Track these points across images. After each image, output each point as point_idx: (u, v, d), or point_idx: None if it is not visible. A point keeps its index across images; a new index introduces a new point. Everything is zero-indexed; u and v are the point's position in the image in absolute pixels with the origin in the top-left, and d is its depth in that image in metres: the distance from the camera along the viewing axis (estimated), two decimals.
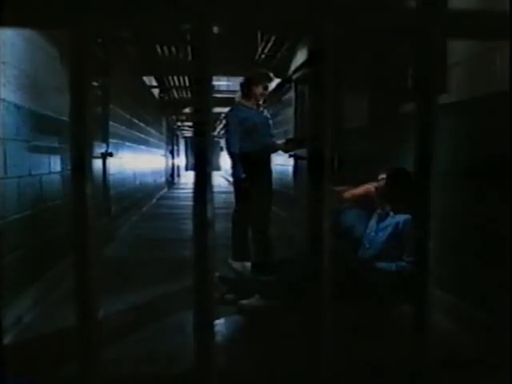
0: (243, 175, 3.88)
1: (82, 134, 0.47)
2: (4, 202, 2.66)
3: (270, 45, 6.78)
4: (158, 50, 7.28)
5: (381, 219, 3.20)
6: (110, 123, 5.69)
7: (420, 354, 0.55)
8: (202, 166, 0.52)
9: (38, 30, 3.06)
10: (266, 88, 4.18)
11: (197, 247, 0.53)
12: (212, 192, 0.53)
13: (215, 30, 0.51)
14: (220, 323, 2.79)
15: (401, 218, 3.04)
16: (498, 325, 2.27)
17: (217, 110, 12.66)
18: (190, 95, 11.96)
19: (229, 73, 8.91)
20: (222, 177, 22.04)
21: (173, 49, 7.23)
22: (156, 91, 11.26)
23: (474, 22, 0.55)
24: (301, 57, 6.76)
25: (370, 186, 3.30)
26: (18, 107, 2.86)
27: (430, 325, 0.55)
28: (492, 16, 0.56)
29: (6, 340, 2.45)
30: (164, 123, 14.25)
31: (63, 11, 0.46)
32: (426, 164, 0.55)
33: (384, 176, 3.20)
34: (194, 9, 0.48)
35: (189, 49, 7.18)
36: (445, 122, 2.80)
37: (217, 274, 3.59)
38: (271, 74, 4.25)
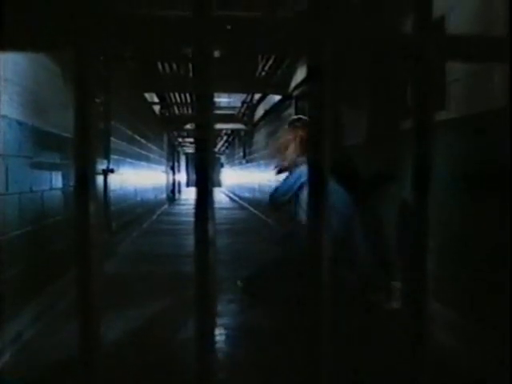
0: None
1: (85, 151, 0.48)
2: (5, 217, 2.66)
3: (270, 62, 6.84)
4: (159, 66, 7.34)
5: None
6: (112, 139, 5.71)
7: (419, 372, 0.55)
8: (204, 182, 0.52)
9: (37, 52, 3.09)
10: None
11: (198, 263, 0.54)
12: (213, 208, 0.54)
13: (216, 51, 0.52)
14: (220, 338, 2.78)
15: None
16: (498, 340, 2.25)
17: (218, 126, 12.71)
18: (191, 111, 12.03)
19: (229, 89, 8.97)
20: (223, 193, 22.06)
21: (174, 65, 7.29)
22: (157, 107, 11.33)
23: (471, 45, 0.56)
24: (301, 74, 6.81)
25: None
26: (20, 123, 2.88)
27: (427, 343, 0.55)
28: (488, 40, 0.57)
29: (5, 357, 2.44)
30: (165, 139, 14.30)
31: (64, 35, 0.47)
32: (424, 180, 0.55)
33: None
34: (195, 34, 0.49)
35: (190, 65, 7.24)
36: (444, 138, 2.81)
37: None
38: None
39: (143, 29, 0.51)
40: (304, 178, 3.52)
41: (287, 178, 3.73)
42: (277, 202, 3.76)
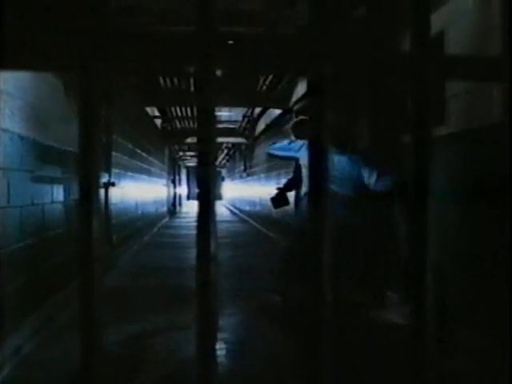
0: None
1: (89, 165, 0.48)
2: (6, 230, 2.66)
3: (271, 77, 6.89)
4: (161, 80, 7.39)
5: None
6: (113, 153, 5.73)
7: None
8: (206, 195, 0.53)
9: (40, 72, 3.12)
10: None
11: (199, 277, 0.54)
12: (215, 221, 0.54)
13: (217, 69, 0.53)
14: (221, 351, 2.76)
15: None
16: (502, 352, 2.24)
17: (219, 140, 12.74)
18: (192, 125, 12.09)
19: (231, 103, 9.02)
20: (224, 206, 22.06)
21: (175, 80, 7.34)
22: (159, 121, 11.38)
23: (468, 65, 0.57)
24: (301, 88, 6.85)
25: None
26: (21, 138, 2.90)
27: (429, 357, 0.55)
28: (486, 60, 0.58)
29: (4, 371, 2.43)
30: (166, 153, 14.34)
31: (68, 55, 0.48)
32: (422, 193, 0.56)
33: None
34: (198, 49, 0.50)
35: (191, 79, 7.29)
36: (443, 153, 2.82)
37: None
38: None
39: (146, 45, 0.52)
40: (303, 150, 3.72)
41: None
42: (274, 155, 4.15)
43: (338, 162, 3.61)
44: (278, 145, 4.07)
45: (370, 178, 3.61)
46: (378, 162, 3.66)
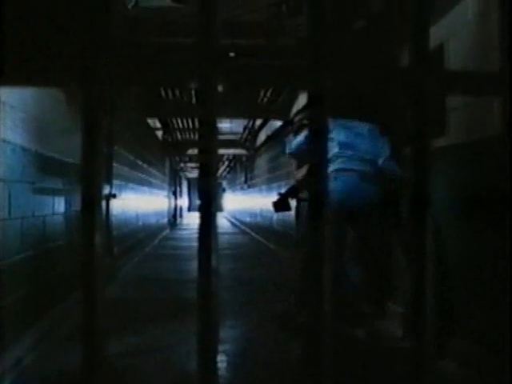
0: None
1: (92, 176, 0.49)
2: (7, 242, 2.66)
3: (271, 88, 6.92)
4: (162, 92, 7.43)
5: None
6: (114, 165, 5.74)
7: None
8: (207, 207, 0.53)
9: (42, 88, 3.14)
10: None
11: (201, 290, 0.54)
12: (216, 233, 0.54)
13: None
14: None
15: None
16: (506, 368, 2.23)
17: (220, 151, 12.77)
18: (193, 136, 12.12)
19: (232, 115, 9.05)
20: (225, 217, 22.04)
21: (177, 91, 7.38)
22: (160, 133, 11.41)
23: (467, 80, 0.57)
24: (302, 100, 6.88)
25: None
26: (24, 149, 2.91)
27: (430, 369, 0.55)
28: (484, 75, 0.58)
29: (6, 382, 2.41)
30: (167, 164, 14.36)
31: (70, 72, 0.49)
32: (421, 205, 0.56)
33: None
34: (199, 61, 0.51)
35: (192, 91, 7.33)
36: (444, 164, 2.83)
37: None
38: None
39: (148, 57, 0.53)
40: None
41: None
42: (292, 153, 3.85)
43: (357, 135, 3.50)
44: (296, 141, 3.77)
45: (381, 152, 3.52)
46: (391, 142, 3.58)
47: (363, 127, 3.64)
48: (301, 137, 3.78)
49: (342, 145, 3.53)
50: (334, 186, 3.36)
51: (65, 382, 2.37)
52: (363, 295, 3.73)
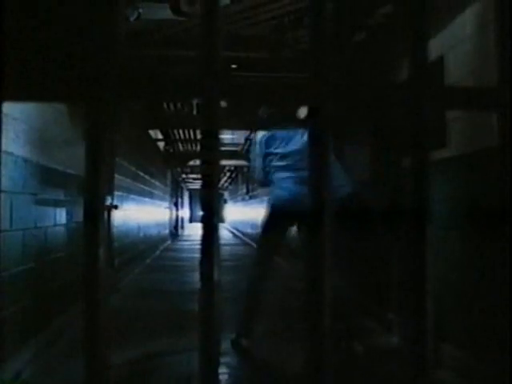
0: None
1: (95, 188, 0.49)
2: (8, 253, 2.66)
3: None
4: (164, 104, 7.46)
5: None
6: (116, 176, 5.76)
7: None
8: (209, 218, 0.53)
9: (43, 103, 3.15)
10: None
11: (203, 302, 0.54)
12: (219, 245, 0.54)
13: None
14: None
15: None
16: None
17: (221, 162, 12.77)
18: (194, 148, 12.14)
19: (233, 126, 9.08)
20: (226, 229, 22.01)
21: (178, 103, 7.41)
22: (161, 144, 11.44)
23: (466, 95, 0.58)
24: (303, 111, 6.89)
25: None
26: (25, 161, 2.92)
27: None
28: (482, 91, 0.59)
29: None
30: (169, 175, 14.38)
31: (73, 87, 0.49)
32: (421, 218, 0.56)
33: None
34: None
35: (193, 103, 7.36)
36: (445, 175, 2.83)
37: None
38: None
39: (151, 70, 0.53)
40: (262, 144, 3.72)
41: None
42: (258, 180, 3.84)
43: (297, 144, 3.59)
44: (257, 167, 3.78)
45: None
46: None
47: (301, 136, 3.69)
48: (258, 159, 3.76)
49: (283, 156, 3.63)
50: (278, 193, 3.52)
51: None
52: (360, 308, 3.72)
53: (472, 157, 2.68)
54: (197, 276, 0.54)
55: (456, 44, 2.83)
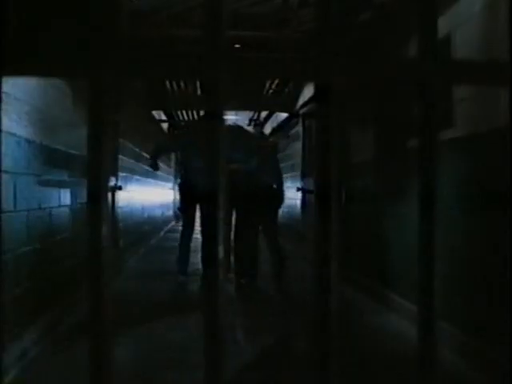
0: None
1: (98, 168, 0.48)
2: (13, 234, 2.67)
3: (277, 80, 6.90)
4: (167, 84, 7.41)
5: None
6: (119, 157, 5.75)
7: None
8: (213, 199, 0.53)
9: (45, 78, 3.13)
10: None
11: (206, 283, 0.54)
12: (220, 225, 0.54)
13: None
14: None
15: None
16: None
17: None
18: None
19: (237, 107, 9.03)
20: None
21: (182, 83, 7.36)
22: (165, 125, 11.41)
23: (474, 70, 0.57)
24: (308, 92, 6.85)
25: None
26: (29, 141, 2.91)
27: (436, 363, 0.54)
28: (491, 65, 0.58)
29: (12, 374, 2.43)
30: (172, 156, 14.37)
31: (77, 63, 0.48)
32: (429, 198, 0.55)
33: None
34: (205, 53, 0.50)
35: (197, 83, 7.31)
36: (450, 156, 2.81)
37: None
38: None
39: (154, 49, 0.52)
40: None
41: None
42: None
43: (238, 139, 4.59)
44: None
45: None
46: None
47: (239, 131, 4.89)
48: None
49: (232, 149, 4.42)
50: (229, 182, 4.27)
51: (71, 376, 2.38)
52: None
53: (479, 137, 2.66)
54: (199, 256, 0.54)
55: (463, 23, 2.79)
